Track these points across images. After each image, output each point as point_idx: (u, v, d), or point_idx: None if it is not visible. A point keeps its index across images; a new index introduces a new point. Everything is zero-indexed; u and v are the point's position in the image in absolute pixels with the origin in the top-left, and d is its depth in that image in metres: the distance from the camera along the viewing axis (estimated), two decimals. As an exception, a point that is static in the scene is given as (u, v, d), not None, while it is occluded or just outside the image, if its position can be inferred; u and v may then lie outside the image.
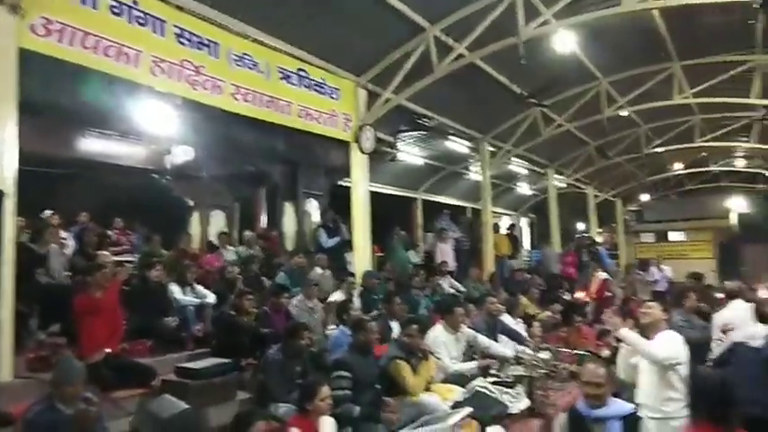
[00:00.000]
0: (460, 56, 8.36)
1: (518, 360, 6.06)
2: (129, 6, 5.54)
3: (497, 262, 12.75)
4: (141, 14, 5.62)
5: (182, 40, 6.03)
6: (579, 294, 10.84)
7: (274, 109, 7.25)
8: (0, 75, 4.64)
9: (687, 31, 9.23)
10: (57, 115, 7.95)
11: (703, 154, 18.52)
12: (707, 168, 20.03)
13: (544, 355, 6.13)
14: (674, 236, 24.28)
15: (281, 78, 7.36)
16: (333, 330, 6.88)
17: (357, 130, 8.63)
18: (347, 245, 9.49)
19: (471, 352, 6.22)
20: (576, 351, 6.59)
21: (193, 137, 9.45)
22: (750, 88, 10.21)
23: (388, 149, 11.88)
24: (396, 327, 6.62)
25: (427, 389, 5.31)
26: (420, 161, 13.84)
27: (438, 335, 6.05)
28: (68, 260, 7.29)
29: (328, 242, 9.86)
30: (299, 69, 7.66)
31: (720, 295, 7.50)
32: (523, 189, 18.81)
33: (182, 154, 10.10)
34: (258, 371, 5.60)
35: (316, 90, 7.94)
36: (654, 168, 19.77)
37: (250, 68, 6.86)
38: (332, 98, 8.24)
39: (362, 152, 8.75)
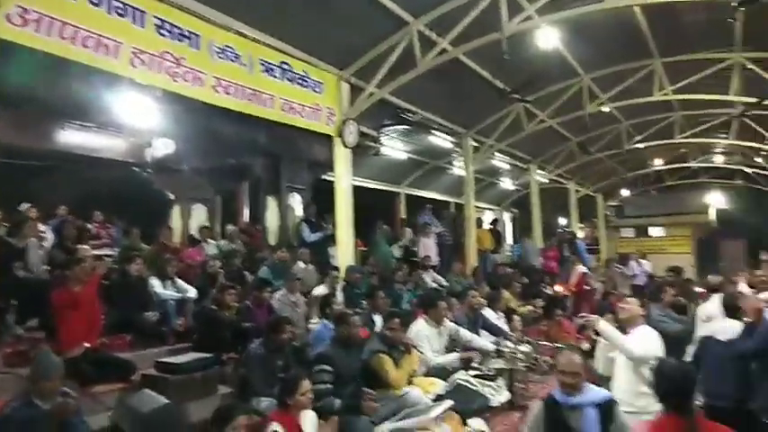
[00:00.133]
0: (444, 50, 8.36)
1: (499, 353, 6.13)
2: (109, -4, 5.46)
3: (480, 256, 12.82)
4: (121, 5, 5.52)
5: (162, 31, 5.94)
6: (558, 288, 10.96)
7: (256, 102, 7.19)
8: (-25, 65, 4.55)
9: (668, 29, 9.32)
10: (34, 107, 7.84)
11: (683, 150, 18.77)
12: (686, 164, 20.28)
13: (525, 348, 6.19)
14: (653, 231, 24.58)
15: (264, 71, 7.30)
16: (315, 324, 6.89)
17: (340, 124, 8.60)
18: (330, 239, 9.48)
19: (453, 345, 6.27)
20: (556, 344, 6.67)
21: (174, 129, 9.36)
22: (729, 85, 10.35)
23: (372, 144, 11.86)
24: (379, 320, 6.64)
25: (409, 382, 5.34)
26: (403, 156, 13.84)
27: (420, 328, 6.09)
28: (47, 254, 7.19)
29: (311, 236, 9.83)
30: (282, 62, 7.60)
31: (699, 289, 7.64)
32: (506, 184, 18.91)
33: (162, 147, 9.99)
34: (240, 365, 5.60)
35: (299, 83, 7.89)
36: (634, 164, 19.99)
37: (232, 61, 6.78)
38: (315, 92, 8.20)
39: (346, 146, 8.72)
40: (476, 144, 13.09)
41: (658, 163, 19.97)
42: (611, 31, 9.12)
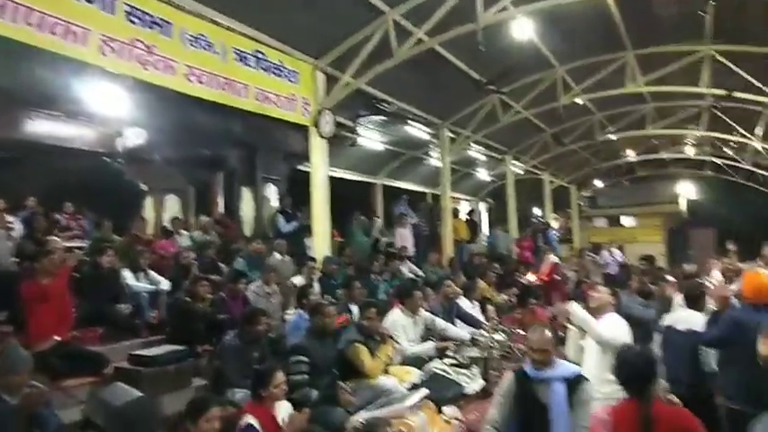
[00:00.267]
0: (420, 41, 8.35)
1: (474, 342, 6.19)
2: (77, -18, 5.32)
3: (456, 247, 12.91)
4: (89, -10, 5.40)
5: (132, 18, 5.81)
6: (530, 277, 11.10)
7: (230, 91, 7.10)
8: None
9: (641, 21, 9.44)
10: (0, 96, 7.62)
11: (654, 141, 19.10)
12: (658, 156, 20.63)
13: (499, 336, 6.26)
14: (625, 221, 25.05)
15: (238, 60, 7.20)
16: (291, 315, 6.88)
17: (316, 114, 8.55)
18: (307, 230, 9.44)
19: (429, 335, 6.32)
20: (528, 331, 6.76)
21: (146, 119, 9.20)
22: (700, 77, 10.54)
23: (348, 134, 11.82)
24: (356, 311, 6.66)
25: (385, 371, 5.37)
26: (380, 146, 13.82)
27: (396, 318, 6.13)
28: (16, 245, 7.05)
29: (287, 227, 9.79)
30: (257, 51, 7.51)
31: (670, 277, 7.83)
32: (482, 175, 19.02)
33: (134, 136, 9.82)
34: (214, 357, 5.56)
35: (273, 73, 7.81)
36: (607, 155, 20.27)
37: (205, 49, 6.67)
38: (290, 81, 8.13)
39: (322, 136, 8.68)
40: (452, 135, 13.13)
41: (630, 154, 20.27)
42: (584, 22, 9.20)
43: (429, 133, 13.02)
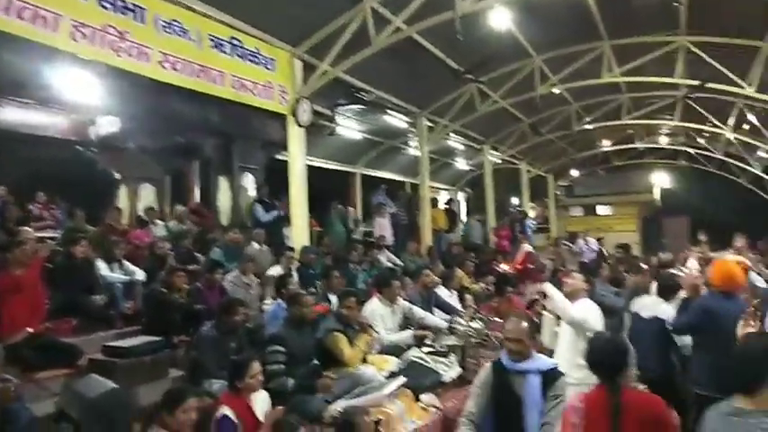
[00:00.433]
0: (398, 29, 8.31)
1: (451, 330, 6.23)
2: (45, -35, 5.18)
3: (435, 236, 12.96)
4: (59, -26, 5.26)
5: (104, 3, 5.68)
6: (504, 266, 11.21)
7: (206, 79, 6.99)
8: None
9: (617, 11, 9.52)
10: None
11: (630, 131, 19.36)
12: (633, 145, 20.92)
13: (476, 324, 6.32)
14: (601, 210, 25.40)
15: (213, 47, 7.09)
16: (270, 305, 6.85)
17: (294, 103, 8.47)
18: (285, 220, 9.39)
19: (407, 323, 6.35)
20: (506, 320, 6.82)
21: (120, 106, 9.01)
22: (674, 68, 10.68)
23: (327, 123, 11.75)
24: (334, 300, 6.65)
25: (364, 360, 5.38)
26: (358, 135, 13.78)
27: (375, 308, 6.14)
28: (-15, 236, 6.89)
29: (265, 216, 9.72)
30: (232, 38, 7.40)
31: (644, 265, 7.98)
32: (461, 164, 19.09)
33: (107, 124, 9.62)
34: (191, 348, 5.52)
35: (250, 60, 7.71)
36: (583, 145, 20.49)
37: (179, 36, 6.55)
38: (267, 69, 8.03)
39: (299, 125, 8.61)
40: (430, 124, 13.14)
41: (606, 144, 20.53)
42: (562, 12, 9.26)
43: (407, 122, 13.02)
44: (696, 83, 11.12)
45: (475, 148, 16.95)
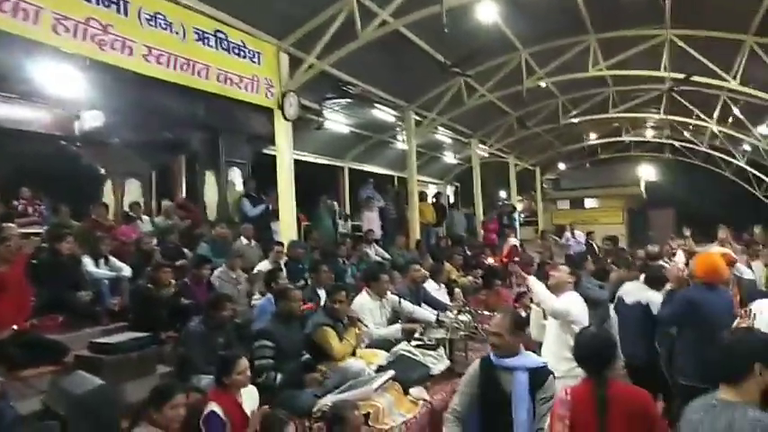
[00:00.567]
0: (384, 22, 8.29)
1: (440, 323, 6.26)
2: (26, -43, 5.09)
3: (423, 230, 12.98)
4: (40, -34, 5.17)
5: (87, -5, 5.61)
6: (489, 259, 11.27)
7: (191, 72, 6.91)
8: None
9: (603, 5, 9.55)
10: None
11: (616, 125, 19.49)
12: (619, 138, 21.07)
13: (465, 317, 6.35)
14: (588, 203, 25.57)
15: (198, 40, 7.00)
16: (259, 300, 6.83)
17: (280, 97, 8.41)
18: (273, 214, 9.35)
19: (396, 317, 6.36)
20: (494, 313, 6.86)
21: (104, 101, 8.90)
22: (660, 62, 10.74)
23: (314, 117, 11.69)
24: (323, 295, 6.64)
25: (353, 354, 5.39)
26: (346, 129, 13.72)
27: (363, 302, 6.15)
28: (-32, 233, 6.78)
29: (253, 211, 9.68)
30: (217, 31, 7.31)
31: (631, 258, 8.06)
32: (449, 158, 19.10)
33: (91, 119, 9.49)
34: (179, 343, 5.50)
35: (235, 53, 7.63)
36: (570, 138, 20.59)
37: (163, 29, 6.46)
38: (253, 62, 7.96)
39: (286, 119, 8.55)
40: (418, 118, 13.13)
41: (593, 137, 20.67)
42: (548, 6, 9.27)
43: (395, 116, 13.00)
44: (681, 76, 11.20)
45: (462, 141, 16.97)
